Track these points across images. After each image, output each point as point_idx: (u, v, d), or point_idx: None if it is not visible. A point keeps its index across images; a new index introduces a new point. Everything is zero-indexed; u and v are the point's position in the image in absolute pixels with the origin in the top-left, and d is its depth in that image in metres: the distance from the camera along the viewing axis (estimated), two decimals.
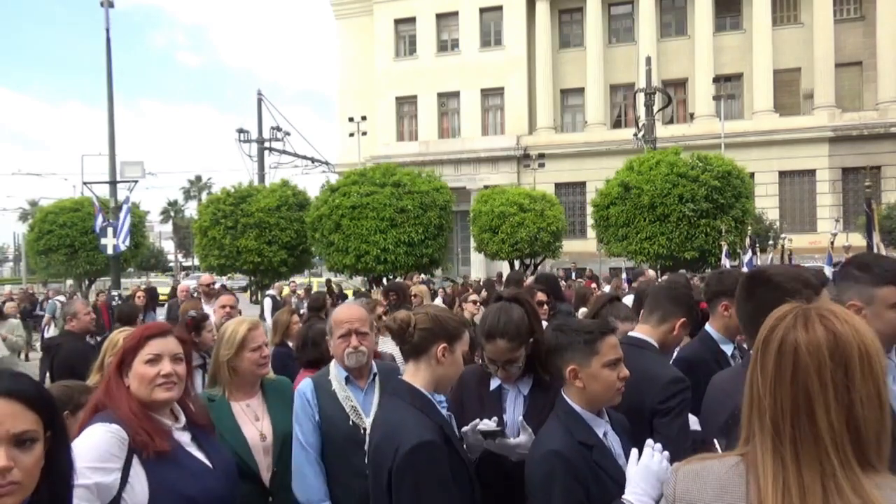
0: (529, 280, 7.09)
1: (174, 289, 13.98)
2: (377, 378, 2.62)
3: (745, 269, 14.26)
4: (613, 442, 1.94)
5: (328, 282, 18.28)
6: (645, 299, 2.77)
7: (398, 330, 2.06)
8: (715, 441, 1.68)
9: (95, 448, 1.79)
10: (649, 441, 1.65)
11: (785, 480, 1.04)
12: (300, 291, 16.24)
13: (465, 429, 2.18)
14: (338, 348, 2.55)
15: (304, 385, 2.59)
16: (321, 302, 6.81)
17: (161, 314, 9.99)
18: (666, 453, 1.62)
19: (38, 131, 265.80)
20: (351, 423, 2.48)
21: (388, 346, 4.43)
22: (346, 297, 13.03)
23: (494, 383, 2.40)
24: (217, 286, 8.45)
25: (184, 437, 2.04)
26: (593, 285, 8.26)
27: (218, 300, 5.89)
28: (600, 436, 1.92)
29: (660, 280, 3.13)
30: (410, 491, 1.83)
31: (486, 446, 2.13)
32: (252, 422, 2.62)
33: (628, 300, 4.07)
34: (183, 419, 2.07)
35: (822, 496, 1.01)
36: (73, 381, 2.61)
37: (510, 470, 2.14)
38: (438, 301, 12.32)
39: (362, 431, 2.44)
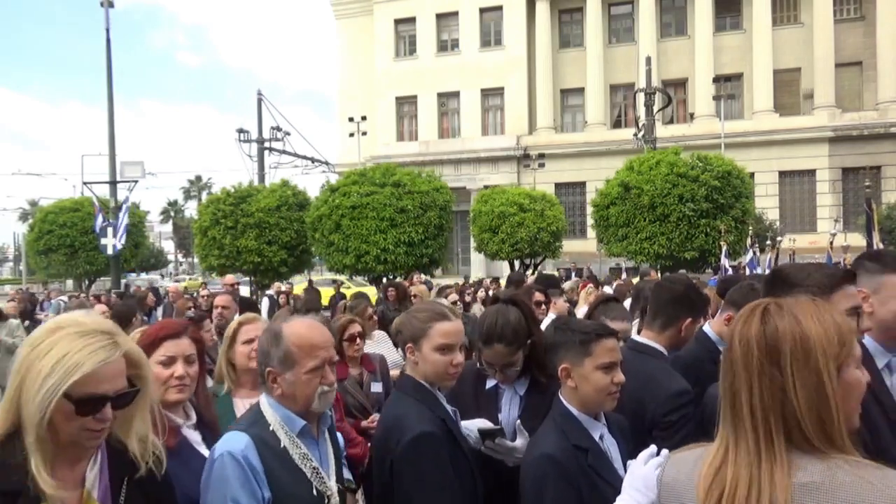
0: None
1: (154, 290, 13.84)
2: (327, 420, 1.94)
3: (747, 270, 14.28)
4: (610, 445, 1.94)
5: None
6: (643, 299, 2.76)
7: (394, 338, 2.20)
8: None
9: None
10: (652, 448, 1.65)
11: (725, 453, 1.19)
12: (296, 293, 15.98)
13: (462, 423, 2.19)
14: (307, 386, 1.75)
15: (239, 444, 1.70)
16: (316, 303, 6.86)
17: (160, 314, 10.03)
18: (660, 459, 1.62)
19: (38, 131, 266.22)
20: (315, 492, 1.76)
21: (380, 347, 4.44)
22: (344, 296, 12.97)
23: (490, 382, 2.41)
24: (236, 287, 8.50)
25: (193, 436, 2.07)
26: (590, 285, 8.24)
27: (216, 301, 5.80)
28: (596, 439, 1.91)
29: (656, 280, 3.08)
30: (411, 479, 1.88)
31: (483, 449, 2.14)
32: None
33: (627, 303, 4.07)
34: (194, 417, 2.10)
35: (747, 466, 1.14)
36: None
37: (504, 469, 2.15)
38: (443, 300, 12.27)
39: (327, 501, 1.78)
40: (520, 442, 2.11)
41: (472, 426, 2.19)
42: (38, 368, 1.27)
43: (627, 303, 4.43)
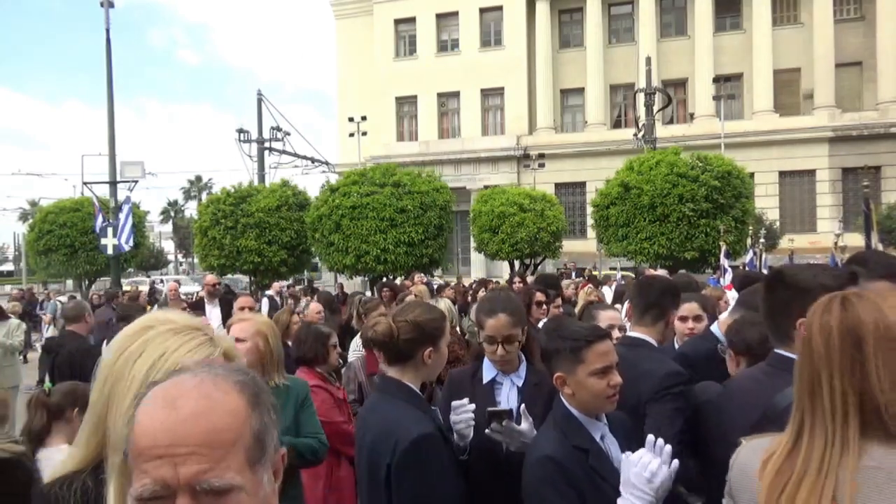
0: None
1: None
2: None
3: (748, 270, 14.28)
4: (611, 445, 1.93)
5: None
6: (626, 299, 2.80)
7: (382, 342, 2.04)
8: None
9: None
10: (649, 439, 1.66)
11: (798, 438, 1.20)
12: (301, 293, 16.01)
13: (453, 418, 2.16)
14: None
15: None
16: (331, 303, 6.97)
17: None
18: (658, 456, 1.63)
19: (38, 131, 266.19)
20: None
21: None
22: (347, 295, 12.92)
23: (487, 377, 2.42)
24: (220, 287, 8.56)
25: None
26: (590, 285, 8.24)
27: (237, 302, 6.04)
28: (597, 439, 1.90)
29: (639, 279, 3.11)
30: (415, 482, 1.83)
31: (490, 430, 2.12)
32: None
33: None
34: None
35: (820, 450, 1.15)
36: (79, 382, 2.63)
37: (499, 466, 2.15)
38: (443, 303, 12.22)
39: None
40: (525, 426, 2.11)
41: (466, 410, 2.17)
42: (129, 376, 1.08)
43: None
